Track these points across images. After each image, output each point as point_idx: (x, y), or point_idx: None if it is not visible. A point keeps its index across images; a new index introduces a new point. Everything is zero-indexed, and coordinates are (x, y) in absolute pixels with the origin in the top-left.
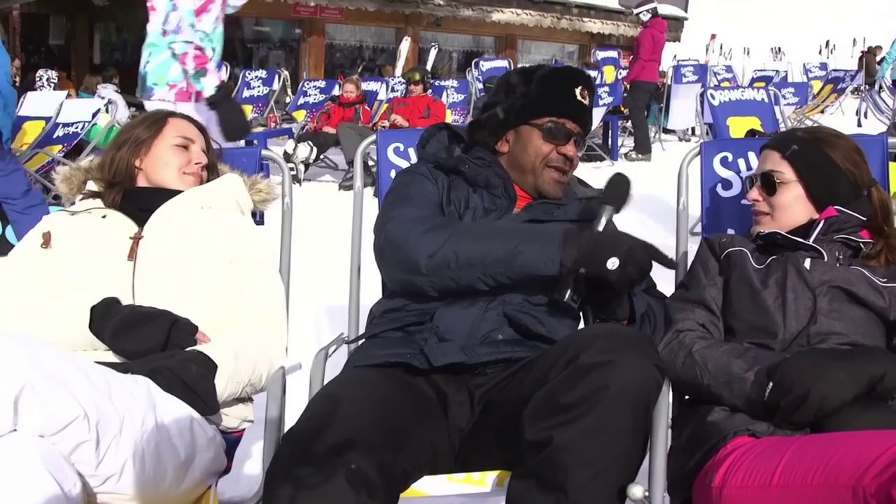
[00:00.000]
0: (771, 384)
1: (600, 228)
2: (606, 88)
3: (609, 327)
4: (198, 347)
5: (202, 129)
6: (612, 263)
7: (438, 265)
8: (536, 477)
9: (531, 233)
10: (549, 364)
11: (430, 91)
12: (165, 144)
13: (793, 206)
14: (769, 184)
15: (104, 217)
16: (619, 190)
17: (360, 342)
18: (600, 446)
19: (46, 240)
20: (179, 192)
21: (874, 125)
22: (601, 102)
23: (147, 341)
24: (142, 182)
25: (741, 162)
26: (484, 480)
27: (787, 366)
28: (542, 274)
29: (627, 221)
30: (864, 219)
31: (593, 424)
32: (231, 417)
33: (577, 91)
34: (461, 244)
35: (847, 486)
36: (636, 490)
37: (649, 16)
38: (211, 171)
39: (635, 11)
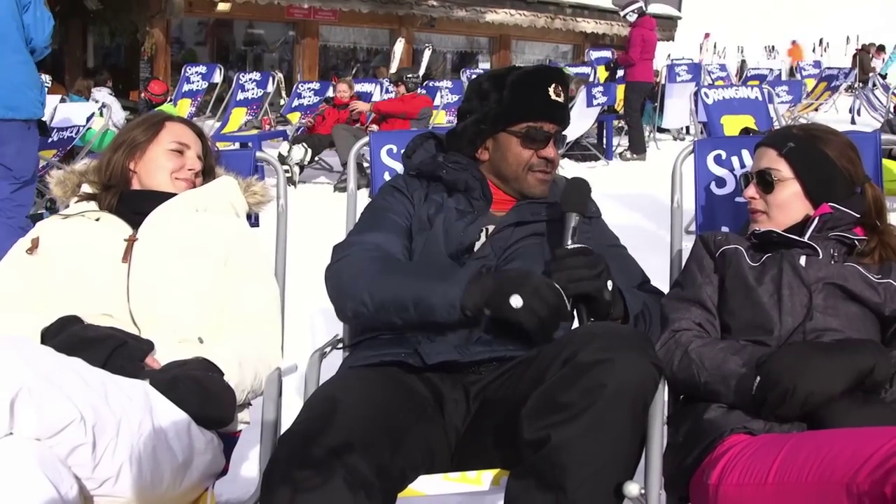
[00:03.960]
0: (758, 378)
1: (570, 240)
2: (600, 88)
3: (606, 325)
4: (203, 354)
5: (200, 133)
6: (516, 301)
7: (359, 310)
8: (535, 475)
9: (438, 278)
10: (546, 362)
11: (421, 91)
12: (160, 149)
13: (790, 204)
14: (766, 182)
15: (98, 220)
16: (577, 196)
17: (355, 344)
18: (599, 444)
19: (34, 245)
20: (174, 194)
21: (868, 122)
22: (595, 102)
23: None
24: (136, 185)
25: (735, 160)
26: (480, 479)
27: (773, 360)
28: (444, 321)
29: (624, 222)
30: (858, 216)
31: (591, 423)
32: None
33: (551, 90)
34: (377, 288)
35: (841, 484)
36: (632, 488)
37: (636, 16)
38: (207, 175)
39: (622, 13)
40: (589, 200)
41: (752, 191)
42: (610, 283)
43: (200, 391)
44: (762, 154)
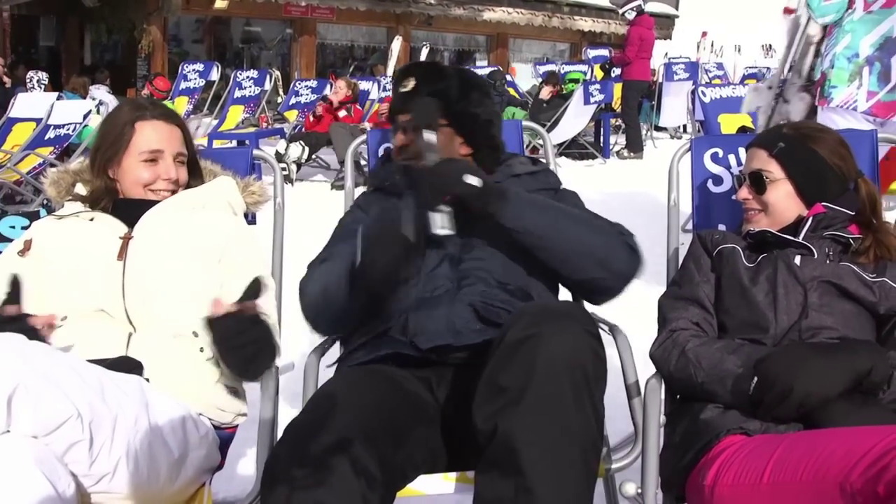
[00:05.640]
0: (755, 379)
1: (430, 155)
2: (597, 86)
3: (540, 303)
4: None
5: (178, 123)
6: (471, 179)
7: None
8: (495, 466)
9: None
10: (491, 349)
11: None
12: (133, 160)
13: (783, 204)
14: (758, 182)
15: (92, 220)
16: (422, 111)
17: (350, 350)
18: (543, 421)
19: (26, 247)
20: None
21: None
22: (592, 100)
23: None
24: (121, 193)
25: (731, 157)
26: None
27: (770, 361)
28: (404, 240)
29: (621, 220)
30: (852, 213)
31: (531, 402)
32: (226, 413)
33: (404, 83)
34: (333, 276)
35: (835, 483)
36: (629, 487)
37: (634, 14)
38: (192, 168)
39: (620, 11)
40: (432, 112)
41: (744, 192)
42: (473, 180)
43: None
44: (753, 155)
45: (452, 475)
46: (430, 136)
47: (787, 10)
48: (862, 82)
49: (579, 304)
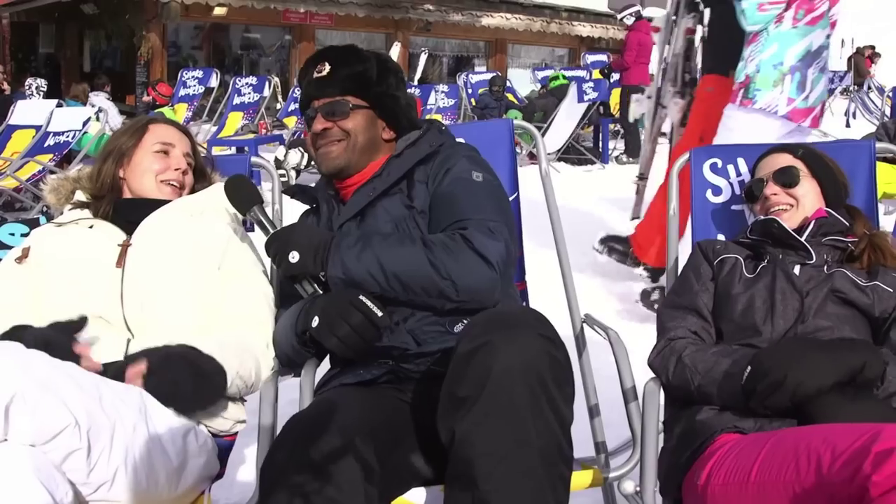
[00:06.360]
0: (749, 368)
1: (270, 229)
2: (591, 84)
3: (490, 312)
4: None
5: (186, 132)
6: (293, 257)
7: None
8: (456, 478)
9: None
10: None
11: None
12: (145, 152)
13: (811, 199)
14: (791, 177)
15: (91, 227)
16: (241, 192)
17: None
18: (498, 430)
19: (24, 255)
20: (167, 202)
21: (863, 125)
22: (586, 98)
23: None
24: (126, 193)
25: (731, 168)
26: None
27: (765, 352)
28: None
29: (620, 224)
30: (847, 224)
31: (486, 410)
32: (226, 420)
33: (317, 69)
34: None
35: (815, 482)
36: (627, 485)
37: (633, 19)
38: (199, 176)
39: (619, 16)
40: (254, 191)
41: (772, 188)
42: (294, 256)
43: (193, 368)
44: (776, 158)
45: None
46: (257, 214)
47: (655, 29)
48: (784, 89)
49: (532, 308)
